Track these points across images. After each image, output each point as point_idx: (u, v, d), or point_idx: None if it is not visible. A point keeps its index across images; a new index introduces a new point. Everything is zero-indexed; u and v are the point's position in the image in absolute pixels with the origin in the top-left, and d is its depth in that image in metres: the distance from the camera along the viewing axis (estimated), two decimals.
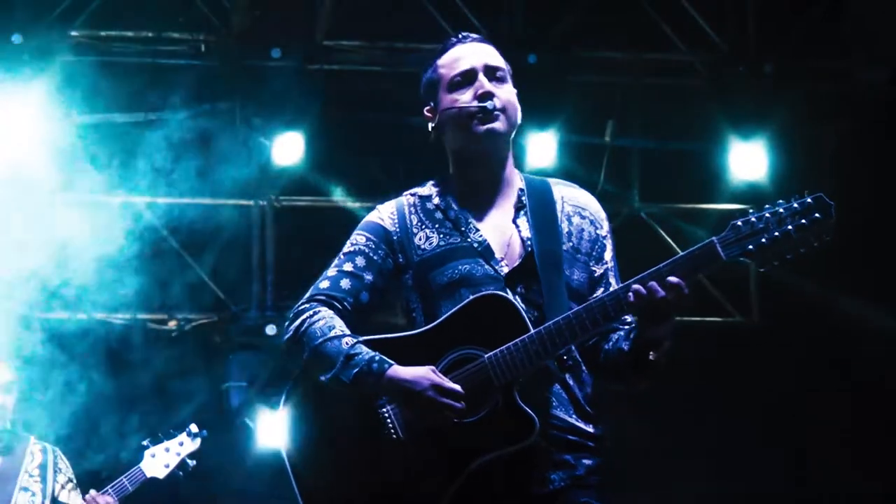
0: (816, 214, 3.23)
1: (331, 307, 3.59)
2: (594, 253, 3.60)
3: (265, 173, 8.14)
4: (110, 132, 7.79)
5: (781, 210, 3.26)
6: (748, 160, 8.06)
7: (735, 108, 8.04)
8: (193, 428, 6.25)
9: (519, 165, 3.74)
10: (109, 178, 7.82)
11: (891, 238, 7.90)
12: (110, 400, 7.72)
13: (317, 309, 3.58)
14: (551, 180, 3.71)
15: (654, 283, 3.28)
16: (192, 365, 8.17)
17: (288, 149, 8.02)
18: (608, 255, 3.62)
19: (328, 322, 3.53)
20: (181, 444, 6.20)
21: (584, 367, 3.53)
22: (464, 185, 3.67)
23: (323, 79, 7.94)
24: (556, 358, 3.42)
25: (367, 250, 3.65)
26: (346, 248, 3.68)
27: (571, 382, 3.49)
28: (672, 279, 3.28)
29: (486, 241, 3.55)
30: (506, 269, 3.52)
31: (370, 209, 3.77)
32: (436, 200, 3.66)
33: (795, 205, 3.26)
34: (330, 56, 7.99)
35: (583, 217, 3.61)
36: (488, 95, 3.56)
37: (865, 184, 7.61)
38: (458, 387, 3.37)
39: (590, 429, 3.49)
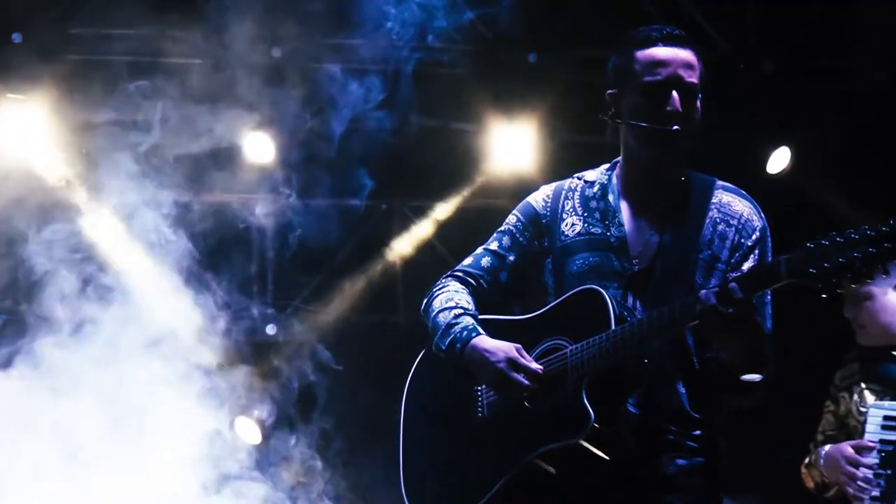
0: (886, 244, 3.04)
1: (464, 283, 3.74)
2: (732, 261, 3.54)
3: (265, 172, 8.13)
4: (110, 131, 7.79)
5: (855, 236, 3.08)
6: (747, 160, 8.07)
7: (735, 107, 8.03)
8: None
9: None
10: (110, 177, 7.83)
11: None
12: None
13: (446, 283, 3.75)
14: (719, 184, 3.67)
15: (718, 296, 3.19)
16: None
17: (287, 148, 8.02)
18: (748, 265, 3.51)
19: (449, 295, 3.68)
20: None
21: (688, 370, 3.47)
22: (627, 177, 3.68)
23: (324, 77, 7.93)
24: (626, 357, 3.36)
25: (514, 231, 3.75)
26: (500, 227, 3.79)
27: (679, 386, 3.45)
28: (736, 294, 3.18)
29: (624, 236, 3.57)
30: (635, 268, 3.52)
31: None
32: (596, 188, 3.68)
33: (869, 231, 3.07)
34: (330, 55, 7.98)
35: (729, 225, 3.57)
36: (676, 117, 3.49)
37: (865, 184, 7.61)
38: (536, 366, 3.42)
39: (690, 431, 3.45)
